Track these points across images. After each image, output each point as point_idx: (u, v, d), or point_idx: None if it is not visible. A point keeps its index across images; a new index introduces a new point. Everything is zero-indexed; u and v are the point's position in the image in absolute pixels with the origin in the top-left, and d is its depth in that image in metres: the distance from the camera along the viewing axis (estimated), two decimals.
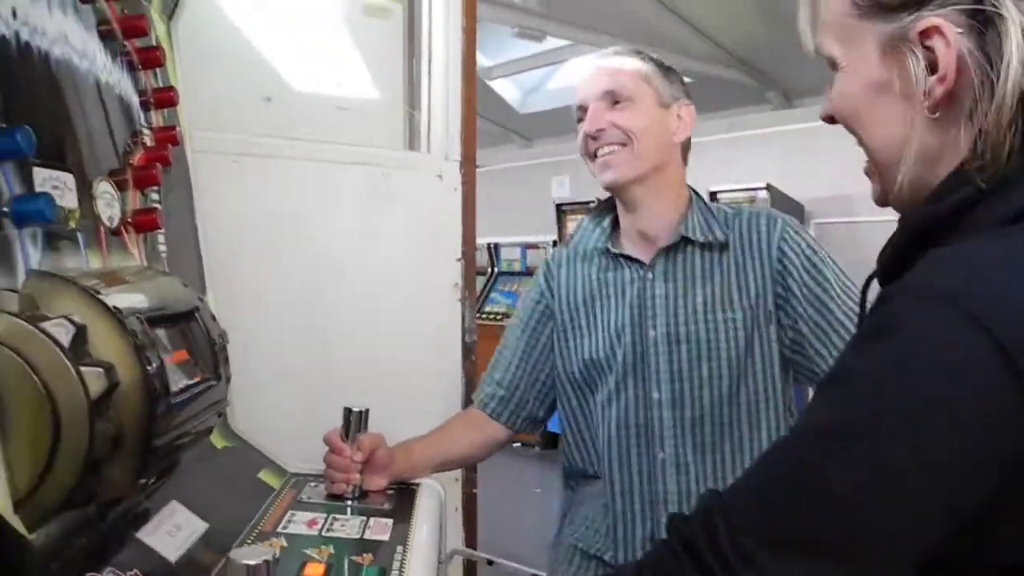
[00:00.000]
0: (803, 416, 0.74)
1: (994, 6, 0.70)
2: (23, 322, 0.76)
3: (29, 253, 0.83)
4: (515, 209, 8.24)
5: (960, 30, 0.72)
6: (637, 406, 1.50)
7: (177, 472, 1.10)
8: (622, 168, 1.52)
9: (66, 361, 0.76)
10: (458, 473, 2.06)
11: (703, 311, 1.49)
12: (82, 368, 0.76)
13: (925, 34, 0.74)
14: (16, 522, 0.73)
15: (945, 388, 0.63)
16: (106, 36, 1.13)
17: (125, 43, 1.19)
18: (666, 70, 1.59)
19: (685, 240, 1.53)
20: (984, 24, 0.71)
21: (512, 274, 8.08)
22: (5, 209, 0.79)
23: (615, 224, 1.64)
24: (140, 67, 1.24)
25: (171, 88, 1.30)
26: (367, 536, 1.18)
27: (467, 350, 2.06)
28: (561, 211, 7.40)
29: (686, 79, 1.67)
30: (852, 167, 0.93)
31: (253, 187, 1.79)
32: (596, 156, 1.55)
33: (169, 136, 1.27)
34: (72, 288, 0.85)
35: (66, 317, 0.79)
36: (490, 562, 1.93)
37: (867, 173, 0.89)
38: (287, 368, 1.77)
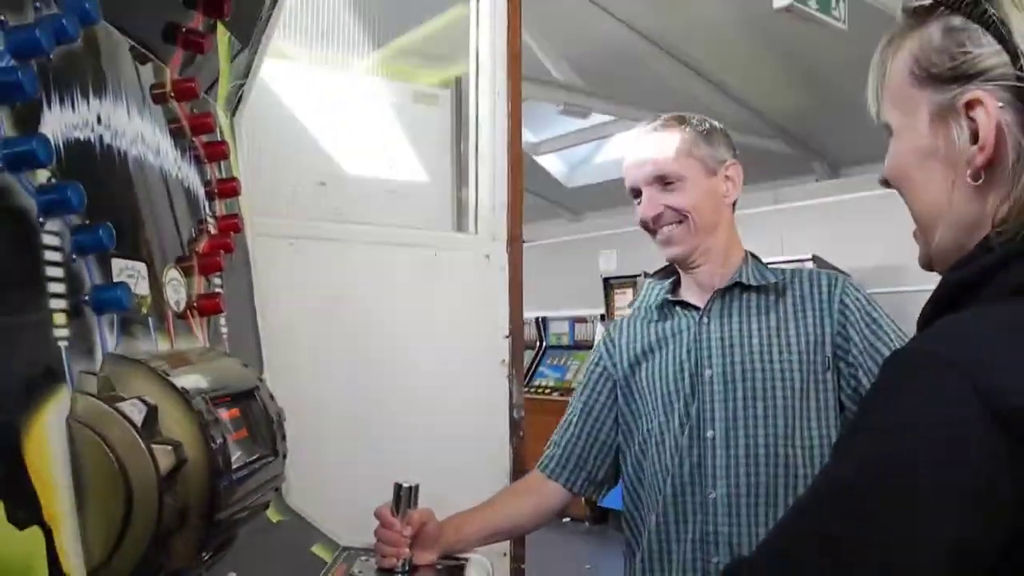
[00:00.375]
0: (821, 472, 0.78)
1: None
2: (101, 402, 0.82)
3: (106, 337, 0.90)
4: (563, 283, 8.31)
5: (1001, 104, 0.76)
6: (691, 446, 1.51)
7: (235, 545, 1.14)
8: (682, 244, 1.57)
9: (139, 439, 0.82)
10: (506, 547, 2.07)
11: (759, 351, 1.52)
12: (153, 446, 0.82)
13: (969, 105, 0.78)
14: None
15: (942, 446, 0.67)
16: (176, 133, 1.22)
17: (193, 139, 1.28)
18: (708, 134, 1.61)
19: (740, 285, 1.57)
20: None
21: (560, 347, 8.10)
22: (86, 298, 0.86)
23: (676, 284, 1.69)
24: (206, 160, 1.32)
25: (234, 179, 1.39)
26: None
27: (515, 425, 2.10)
28: (608, 285, 7.44)
29: None
30: (899, 236, 0.95)
31: (308, 269, 1.87)
32: (656, 234, 1.60)
33: (232, 224, 1.34)
34: (144, 370, 0.91)
35: (139, 398, 0.85)
36: None
37: (915, 236, 0.92)
38: (338, 443, 1.82)
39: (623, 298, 7.17)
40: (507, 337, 2.09)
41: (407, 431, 1.92)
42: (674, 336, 1.61)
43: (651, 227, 1.60)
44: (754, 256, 1.65)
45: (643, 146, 1.61)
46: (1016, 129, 0.76)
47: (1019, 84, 0.75)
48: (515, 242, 2.13)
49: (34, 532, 0.72)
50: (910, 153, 0.85)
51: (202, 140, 1.31)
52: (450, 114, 2.28)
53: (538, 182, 8.95)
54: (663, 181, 1.56)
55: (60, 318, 0.81)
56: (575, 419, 1.70)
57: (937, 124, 0.82)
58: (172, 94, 1.20)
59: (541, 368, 8.03)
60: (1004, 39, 0.76)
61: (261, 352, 1.49)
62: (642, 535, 1.60)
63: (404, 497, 1.40)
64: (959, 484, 0.66)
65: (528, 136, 8.18)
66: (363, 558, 1.42)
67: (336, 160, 2.12)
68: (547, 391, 7.52)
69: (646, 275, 6.78)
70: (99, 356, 0.88)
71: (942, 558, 0.66)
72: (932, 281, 0.91)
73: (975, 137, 0.79)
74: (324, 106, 2.09)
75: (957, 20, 0.80)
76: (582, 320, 7.91)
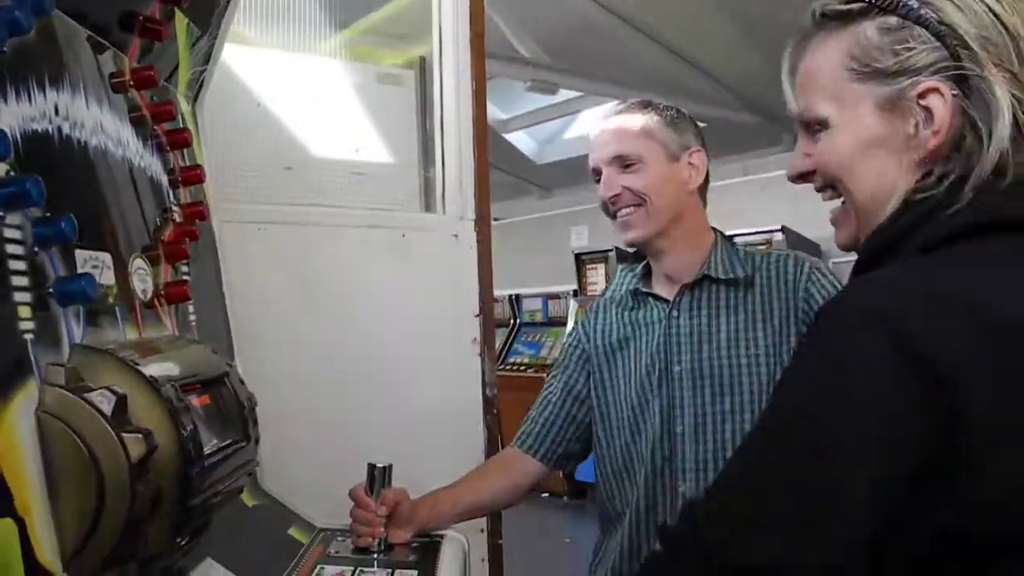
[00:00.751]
0: (759, 419, 0.87)
1: (979, 75, 0.83)
2: (69, 393, 0.82)
3: (73, 329, 0.90)
4: (535, 260, 8.33)
5: (955, 92, 0.85)
6: (662, 441, 1.54)
7: (211, 530, 1.15)
8: (640, 228, 1.59)
9: (109, 428, 0.82)
10: (483, 523, 2.10)
11: (726, 346, 1.54)
12: (123, 434, 0.83)
13: (923, 95, 0.86)
14: None
15: (861, 385, 0.75)
16: (137, 122, 1.22)
17: (155, 127, 1.27)
18: (673, 120, 1.63)
19: (708, 278, 1.59)
20: (969, 89, 0.84)
21: (534, 325, 8.12)
22: (51, 290, 0.86)
23: (648, 269, 1.71)
24: (169, 148, 1.32)
25: (198, 166, 1.39)
26: None
27: (488, 404, 2.11)
28: (580, 261, 7.46)
29: (700, 124, 1.73)
30: None
31: (276, 253, 1.87)
32: (616, 216, 1.62)
33: (196, 212, 1.34)
34: (112, 360, 0.91)
35: (108, 388, 0.85)
36: None
37: (834, 222, 1.00)
38: (312, 426, 1.83)
39: (595, 273, 7.19)
40: (478, 316, 2.11)
41: (380, 412, 1.93)
42: (646, 327, 1.63)
43: (610, 210, 1.62)
44: (724, 237, 1.66)
45: (606, 127, 1.63)
46: (969, 112, 0.84)
47: (964, 72, 0.84)
48: (483, 221, 2.14)
49: (6, 524, 0.73)
50: (854, 144, 0.91)
51: (164, 128, 1.30)
52: (415, 94, 2.28)
53: (508, 159, 8.93)
54: (623, 162, 1.58)
55: (25, 311, 0.81)
56: (555, 398, 1.73)
57: (886, 113, 0.89)
58: (131, 83, 1.19)
59: (516, 345, 8.06)
60: (941, 36, 0.85)
61: (231, 338, 1.50)
62: (619, 522, 1.63)
63: (378, 477, 1.42)
64: (877, 419, 0.74)
65: (496, 113, 8.15)
66: (339, 538, 1.44)
67: (301, 144, 2.11)
68: (522, 368, 7.54)
69: (617, 251, 6.85)
70: (66, 347, 0.88)
71: (862, 487, 0.74)
72: None
73: (926, 123, 0.86)
74: (287, 90, 2.08)
75: (893, 20, 0.88)
76: (555, 296, 7.93)
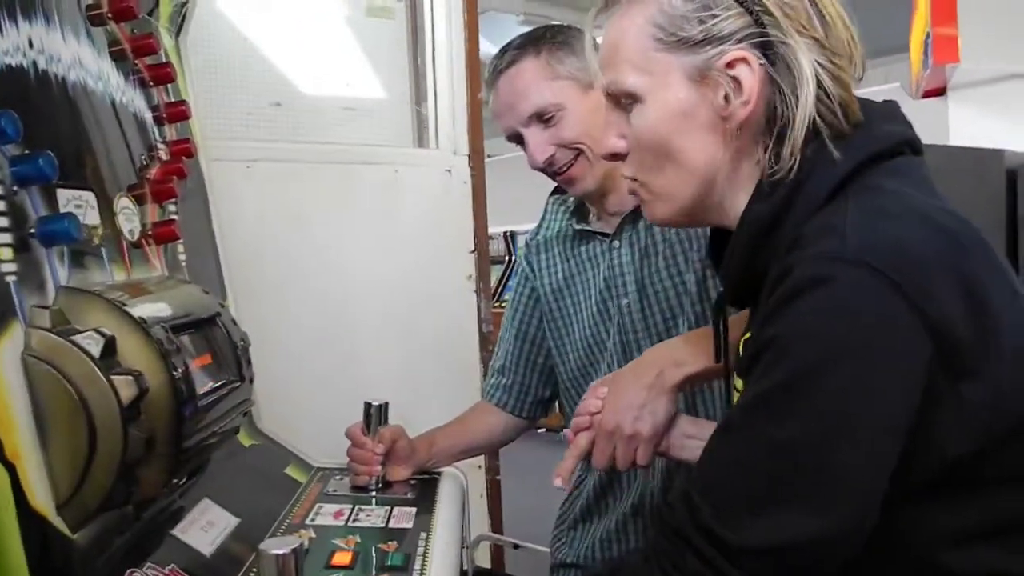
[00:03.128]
0: (745, 392, 0.81)
1: (783, 41, 0.82)
2: (56, 336, 0.81)
3: (57, 271, 0.88)
4: (530, 196, 8.24)
5: (761, 61, 0.83)
6: None
7: (208, 471, 1.15)
8: (586, 179, 1.44)
9: (97, 371, 0.81)
10: (481, 460, 2.11)
11: (666, 268, 1.46)
12: (113, 376, 0.81)
13: (730, 64, 0.84)
14: (60, 524, 0.78)
15: (866, 327, 0.72)
16: (118, 57, 1.18)
17: (136, 62, 1.23)
18: (565, 43, 1.42)
19: None
20: (775, 56, 0.83)
21: None
22: (32, 231, 0.84)
23: (580, 201, 1.59)
24: (152, 84, 1.28)
25: (183, 102, 1.35)
26: (391, 525, 1.23)
27: (484, 340, 2.11)
28: None
29: None
30: None
31: (267, 191, 1.84)
32: (555, 175, 1.47)
33: (183, 149, 1.31)
34: (99, 301, 0.89)
35: (95, 330, 0.83)
36: (516, 546, 1.96)
37: (635, 193, 0.97)
38: (308, 366, 1.82)
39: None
40: (473, 252, 2.09)
41: (376, 351, 1.92)
42: (589, 262, 1.56)
43: (548, 171, 1.47)
44: None
45: (503, 86, 1.44)
46: (776, 79, 0.84)
47: (768, 39, 0.83)
48: (476, 155, 2.11)
49: None
50: (667, 117, 0.88)
51: (145, 63, 1.26)
52: (405, 27, 2.23)
53: None
54: (540, 117, 1.41)
55: (6, 252, 0.79)
56: (510, 347, 1.68)
57: (696, 84, 0.86)
58: (109, 15, 1.15)
59: (511, 282, 8.04)
60: (743, 3, 0.83)
61: (223, 278, 1.48)
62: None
63: (374, 415, 1.41)
64: (891, 366, 0.73)
65: (489, 48, 7.97)
66: (337, 477, 1.44)
67: (290, 79, 2.06)
68: None
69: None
70: (51, 290, 0.86)
71: (885, 431, 0.73)
72: None
73: (736, 93, 0.85)
74: (274, 24, 2.03)
75: None
76: None
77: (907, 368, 0.72)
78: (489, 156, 2.19)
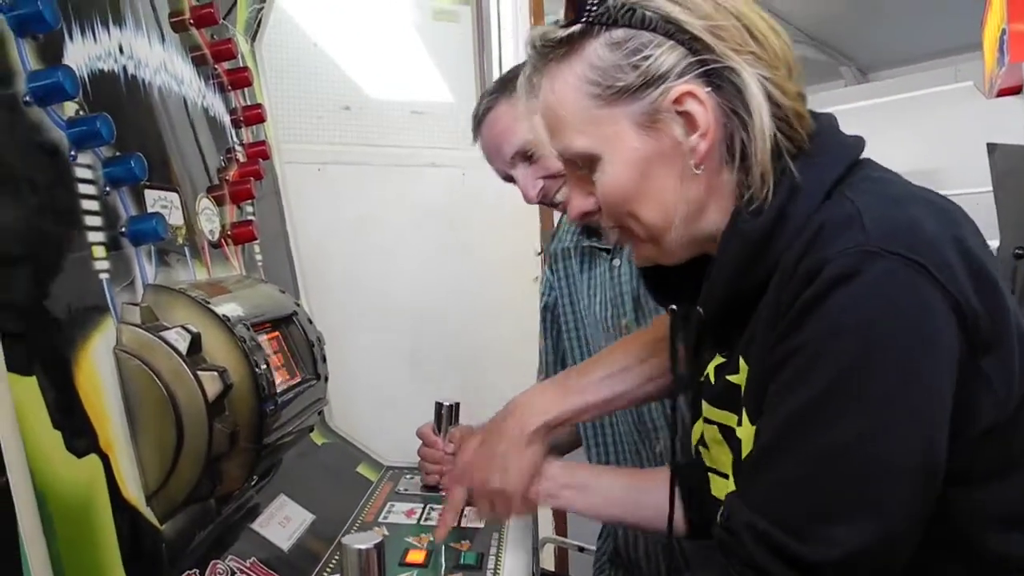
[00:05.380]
0: (778, 404, 0.77)
1: (724, 64, 0.79)
2: (146, 332, 0.83)
3: (146, 268, 0.91)
4: None
5: (708, 89, 0.79)
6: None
7: (283, 468, 1.17)
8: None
9: (184, 366, 0.83)
10: None
11: None
12: (199, 372, 0.83)
13: (678, 101, 0.80)
14: (149, 514, 0.80)
15: (904, 314, 0.71)
16: (198, 62, 1.21)
17: (215, 66, 1.26)
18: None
19: None
20: (720, 81, 0.79)
21: None
22: (124, 230, 0.86)
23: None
24: (230, 88, 1.31)
25: (259, 105, 1.38)
26: (463, 524, 1.23)
27: None
28: None
29: None
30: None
31: (337, 193, 1.87)
32: (553, 206, 1.44)
33: (260, 151, 1.34)
34: (185, 299, 0.92)
35: (183, 326, 0.85)
36: (581, 549, 1.96)
37: (621, 243, 0.91)
38: (377, 366, 1.84)
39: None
40: (539, 254, 2.09)
41: (444, 351, 1.93)
42: (596, 280, 1.53)
43: (544, 203, 1.46)
44: None
45: (485, 135, 1.46)
46: (726, 106, 0.80)
47: (708, 67, 0.79)
48: None
49: (92, 460, 0.74)
50: (627, 170, 0.84)
51: (224, 68, 1.29)
52: (471, 30, 2.24)
53: None
54: (524, 156, 1.42)
55: (99, 251, 0.82)
56: (550, 358, 1.66)
57: (647, 130, 0.82)
58: (191, 21, 1.18)
59: None
60: (672, 35, 0.79)
61: (296, 277, 1.50)
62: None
63: (445, 415, 1.41)
64: (936, 359, 0.71)
65: None
66: (407, 476, 1.45)
67: (359, 84, 2.09)
68: None
69: None
70: (140, 287, 0.89)
71: (937, 416, 0.71)
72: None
73: (690, 128, 0.81)
74: (343, 29, 2.06)
75: (619, 33, 0.81)
76: None
77: (946, 349, 0.71)
78: None
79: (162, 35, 1.09)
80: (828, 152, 0.82)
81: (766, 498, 0.77)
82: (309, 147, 1.85)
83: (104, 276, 0.82)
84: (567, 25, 0.83)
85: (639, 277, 1.43)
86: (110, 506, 0.74)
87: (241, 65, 1.35)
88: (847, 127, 0.91)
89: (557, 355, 1.65)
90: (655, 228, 0.86)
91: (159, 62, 1.06)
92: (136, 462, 0.81)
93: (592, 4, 0.82)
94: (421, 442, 1.44)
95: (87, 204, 0.81)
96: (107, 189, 0.85)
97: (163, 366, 0.82)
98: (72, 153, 0.80)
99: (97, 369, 0.78)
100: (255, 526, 1.04)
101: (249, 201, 1.27)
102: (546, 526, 2.08)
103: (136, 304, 0.85)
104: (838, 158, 0.82)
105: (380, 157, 1.95)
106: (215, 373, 0.85)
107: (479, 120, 1.46)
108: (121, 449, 0.78)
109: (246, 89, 1.36)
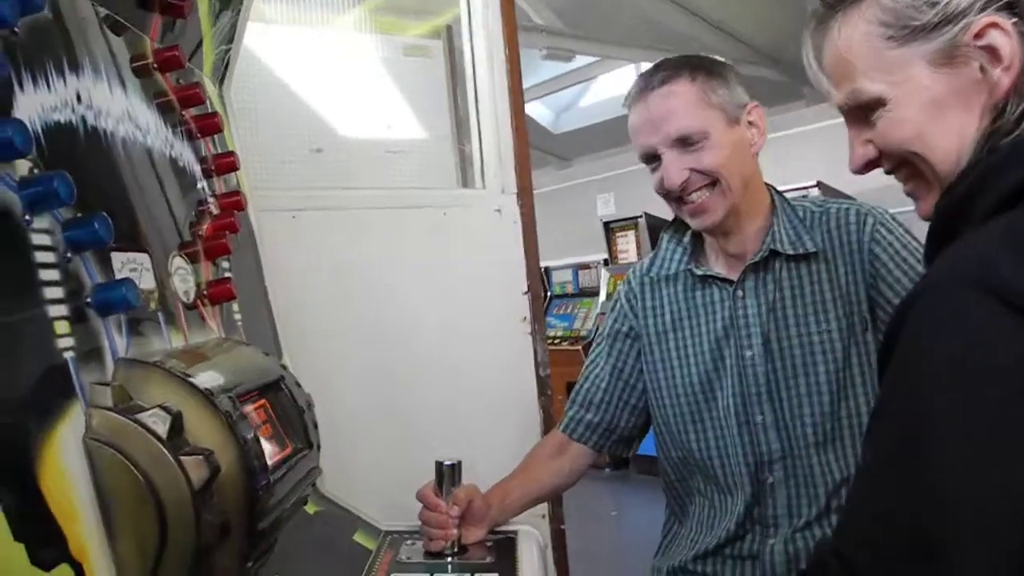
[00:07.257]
0: (880, 432, 0.75)
1: None
2: (119, 415, 0.73)
3: (115, 341, 0.81)
4: (561, 231, 8.19)
5: (1013, 20, 0.79)
6: (741, 430, 1.43)
7: (276, 546, 1.07)
8: (716, 211, 1.41)
9: (166, 452, 0.73)
10: (544, 509, 2.00)
11: (796, 325, 1.41)
12: (182, 458, 0.74)
13: (979, 35, 0.80)
14: None
15: (994, 356, 0.67)
16: (164, 109, 1.11)
17: (183, 113, 1.17)
18: (719, 74, 1.43)
19: (774, 253, 1.44)
20: (1020, 10, 0.79)
21: (566, 296, 7.99)
22: (88, 300, 0.77)
23: (694, 238, 1.55)
24: (199, 135, 1.22)
25: (231, 153, 1.29)
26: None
27: (542, 384, 2.02)
28: (609, 229, 7.30)
29: None
30: None
31: (313, 240, 1.77)
32: (683, 201, 1.43)
33: (234, 202, 1.25)
34: (161, 373, 0.82)
35: (161, 406, 0.76)
36: None
37: (911, 194, 0.92)
38: (364, 421, 1.74)
39: (625, 241, 7.04)
40: (526, 293, 2.01)
41: (432, 400, 1.84)
42: (707, 309, 1.50)
43: (677, 195, 1.43)
44: (779, 195, 1.52)
45: (653, 103, 1.41)
46: None
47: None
48: (525, 193, 2.03)
49: (63, 571, 0.64)
50: (919, 112, 0.84)
51: (192, 114, 1.20)
52: (444, 65, 2.17)
53: None
54: (685, 142, 1.39)
55: (62, 326, 0.72)
56: (604, 384, 1.61)
57: (943, 68, 0.82)
58: (155, 65, 1.09)
59: (548, 318, 7.94)
60: None
61: (277, 335, 1.40)
62: (690, 506, 1.55)
63: (447, 475, 1.32)
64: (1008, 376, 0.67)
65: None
66: (408, 542, 1.35)
67: (330, 124, 2.01)
68: (556, 341, 7.43)
69: (647, 216, 6.70)
70: (110, 363, 0.79)
71: None
72: None
73: (994, 62, 0.80)
74: (311, 68, 1.98)
75: None
76: (585, 267, 7.79)
77: None
78: None
79: (123, 81, 1.00)
80: None
81: (857, 528, 0.75)
82: (281, 193, 1.75)
83: (68, 355, 0.72)
84: None
85: (771, 311, 1.43)
86: None
87: (210, 111, 1.26)
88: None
89: (621, 381, 1.61)
90: (946, 172, 0.84)
91: (121, 111, 0.96)
92: (114, 567, 0.70)
93: None
94: (423, 506, 1.34)
95: (45, 274, 0.71)
96: (68, 255, 0.75)
97: (141, 453, 0.72)
98: (27, 218, 0.70)
99: (64, 463, 0.68)
100: None
101: (225, 256, 1.17)
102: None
103: (106, 384, 0.75)
104: None
105: (357, 200, 1.86)
106: (200, 457, 0.75)
107: (650, 88, 1.43)
108: (96, 553, 0.68)
109: (216, 136, 1.27)
